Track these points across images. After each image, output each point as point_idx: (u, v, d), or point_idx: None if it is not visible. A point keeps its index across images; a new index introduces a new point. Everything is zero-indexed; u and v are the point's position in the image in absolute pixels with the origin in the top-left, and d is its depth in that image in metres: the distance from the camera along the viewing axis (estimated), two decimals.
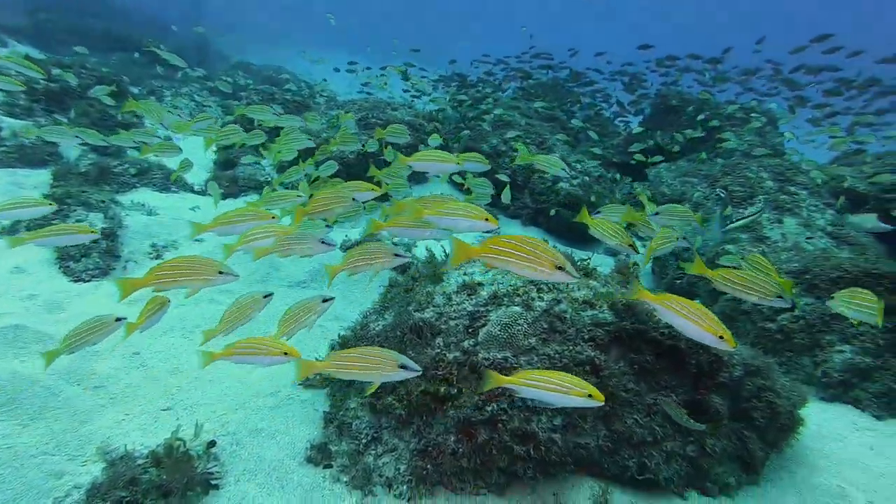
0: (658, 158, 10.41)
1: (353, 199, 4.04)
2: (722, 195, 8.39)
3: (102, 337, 3.54)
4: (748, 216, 6.05)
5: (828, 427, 4.62)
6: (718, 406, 3.54)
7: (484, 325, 3.51)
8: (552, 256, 2.67)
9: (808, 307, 5.37)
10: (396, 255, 3.56)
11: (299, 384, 4.67)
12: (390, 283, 4.96)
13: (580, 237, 9.73)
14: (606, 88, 16.32)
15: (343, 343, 4.51)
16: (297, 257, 7.15)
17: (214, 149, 10.12)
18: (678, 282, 7.98)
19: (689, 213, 4.14)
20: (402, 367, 2.94)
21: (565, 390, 2.70)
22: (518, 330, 3.40)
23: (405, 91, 14.52)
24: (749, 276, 3.34)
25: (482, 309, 3.61)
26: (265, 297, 3.65)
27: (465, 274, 4.05)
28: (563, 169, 5.54)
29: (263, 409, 4.28)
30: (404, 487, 3.55)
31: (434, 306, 3.84)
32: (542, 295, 3.56)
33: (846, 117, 12.03)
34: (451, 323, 3.66)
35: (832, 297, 3.73)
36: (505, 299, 3.58)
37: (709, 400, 3.56)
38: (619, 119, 15.57)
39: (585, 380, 3.26)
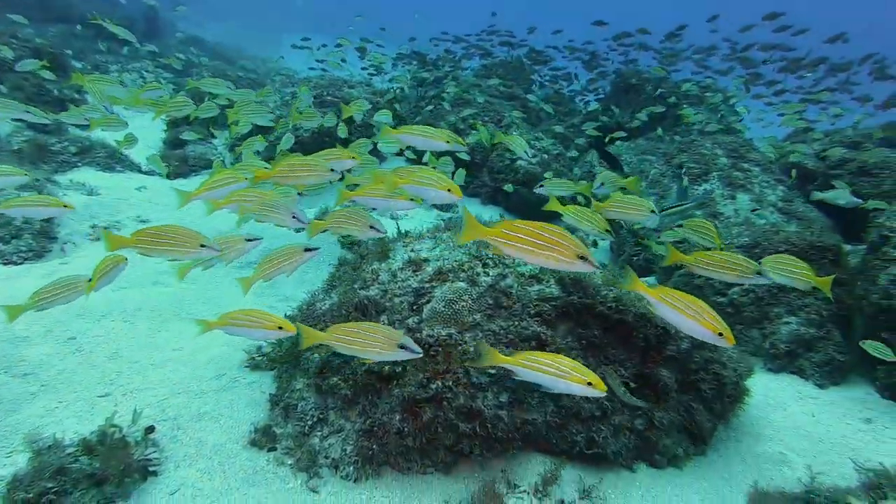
0: (620, 135, 10.44)
1: (331, 170, 3.86)
2: (684, 179, 8.44)
3: (74, 297, 3.48)
4: (680, 206, 6.05)
5: (774, 396, 4.71)
6: (666, 379, 3.54)
7: (429, 302, 3.43)
8: (575, 245, 2.55)
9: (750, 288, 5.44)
10: (372, 226, 3.51)
11: (246, 366, 4.53)
12: (339, 261, 4.83)
13: (538, 215, 9.71)
14: (566, 67, 16.26)
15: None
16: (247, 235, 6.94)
17: (164, 128, 9.74)
18: (635, 258, 8.05)
19: (619, 178, 4.13)
20: (402, 347, 2.83)
21: (564, 375, 2.59)
22: (462, 306, 3.32)
23: (363, 69, 14.17)
24: (726, 257, 3.35)
25: (427, 285, 3.52)
26: (249, 240, 3.76)
27: (411, 250, 3.95)
28: (526, 151, 5.53)
29: (207, 392, 4.13)
30: (350, 468, 3.47)
31: (379, 283, 3.73)
32: (487, 270, 3.49)
33: (796, 96, 12.24)
34: (396, 300, 3.56)
35: (759, 263, 3.76)
36: (450, 275, 3.49)
37: (657, 373, 3.55)
38: (580, 97, 15.56)
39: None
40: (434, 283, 3.50)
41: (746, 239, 5.76)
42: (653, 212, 3.89)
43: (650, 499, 3.44)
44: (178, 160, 8.66)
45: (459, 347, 3.24)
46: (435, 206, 9.76)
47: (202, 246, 3.32)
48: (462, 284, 3.41)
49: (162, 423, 3.72)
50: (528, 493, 3.18)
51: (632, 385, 3.52)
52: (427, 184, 3.32)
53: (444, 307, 3.33)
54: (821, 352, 5.06)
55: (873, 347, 4.16)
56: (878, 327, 4.87)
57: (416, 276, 3.62)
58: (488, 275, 3.45)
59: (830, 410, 4.62)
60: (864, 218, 6.70)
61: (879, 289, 4.87)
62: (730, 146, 8.23)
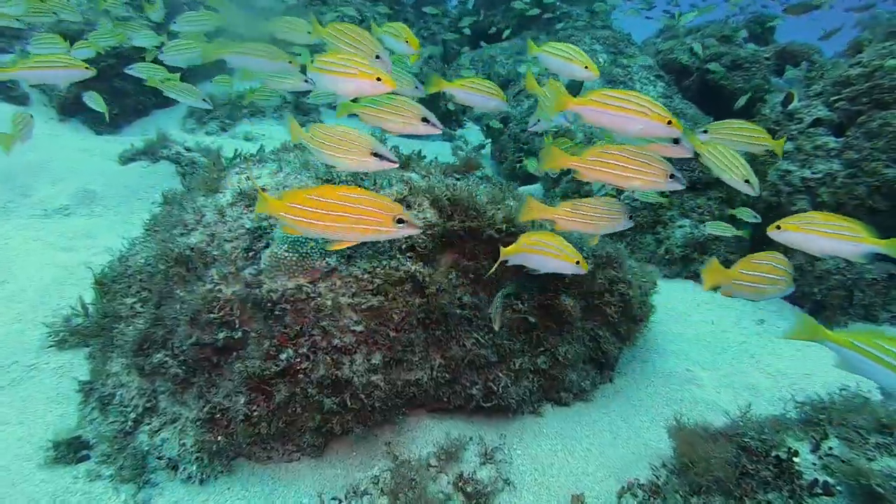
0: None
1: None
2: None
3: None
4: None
5: (673, 307, 4.42)
6: (570, 308, 3.00)
7: (267, 246, 2.58)
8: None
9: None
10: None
11: (50, 346, 3.49)
12: (164, 198, 3.77)
13: None
14: None
15: (99, 282, 3.33)
16: (50, 179, 5.54)
17: None
18: (518, 166, 7.51)
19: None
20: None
21: None
22: (312, 247, 2.50)
23: None
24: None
25: (265, 223, 2.65)
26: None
27: (247, 178, 3.03)
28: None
29: None
30: (193, 467, 2.69)
31: (204, 226, 2.81)
32: None
33: None
34: (227, 247, 2.68)
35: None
36: None
37: (559, 302, 3.00)
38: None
39: (408, 301, 2.53)
40: (273, 221, 2.64)
41: None
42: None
43: (560, 447, 2.96)
44: None
45: (313, 302, 2.46)
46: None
47: (373, 155, 2.39)
48: None
49: None
50: (418, 471, 2.56)
51: (532, 320, 2.95)
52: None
53: (287, 251, 2.50)
54: (714, 253, 4.83)
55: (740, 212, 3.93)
56: (768, 224, 4.66)
57: (251, 212, 2.73)
58: None
59: (727, 315, 4.41)
60: (740, 112, 6.55)
61: (768, 185, 4.63)
62: (608, 41, 7.74)
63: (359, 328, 2.46)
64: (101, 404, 2.94)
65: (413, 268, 2.55)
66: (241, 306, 2.53)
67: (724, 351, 3.92)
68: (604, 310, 3.27)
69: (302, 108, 8.26)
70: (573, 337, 3.18)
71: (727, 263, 4.81)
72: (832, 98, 4.43)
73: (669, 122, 2.37)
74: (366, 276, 2.48)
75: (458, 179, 3.16)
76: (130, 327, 2.93)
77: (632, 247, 5.09)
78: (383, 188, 2.71)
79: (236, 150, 4.66)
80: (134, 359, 2.88)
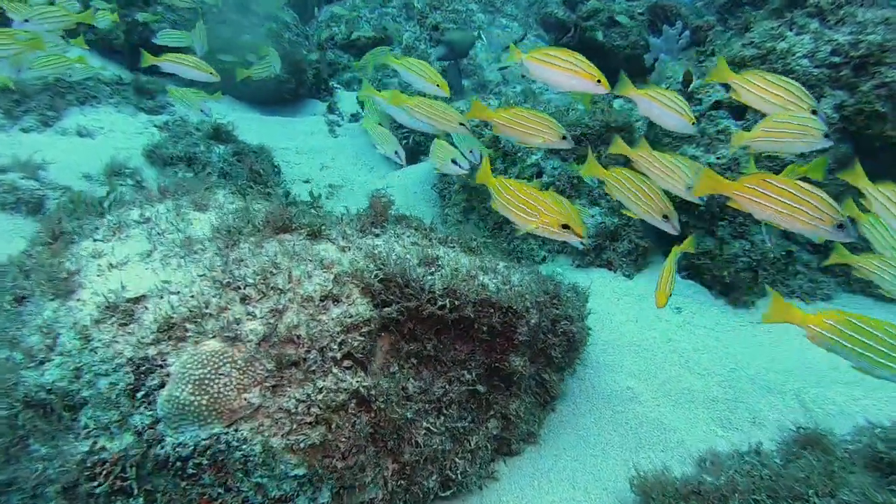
0: None
1: None
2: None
3: None
4: None
5: (596, 308, 4.27)
6: (521, 368, 2.72)
7: (162, 386, 1.98)
8: None
9: (556, 171, 4.85)
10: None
11: None
12: None
13: (279, 101, 8.00)
14: None
15: None
16: None
17: None
18: (404, 143, 7.02)
19: None
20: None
21: None
22: (225, 383, 1.95)
23: None
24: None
25: (152, 352, 2.03)
26: None
27: (109, 266, 2.33)
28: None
29: None
30: None
31: (62, 355, 2.13)
32: (251, 307, 2.10)
33: None
34: (102, 384, 2.04)
35: None
36: (189, 327, 2.04)
37: (508, 364, 2.70)
38: None
39: (354, 424, 2.10)
40: (165, 348, 2.03)
41: None
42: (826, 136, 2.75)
43: None
44: None
45: (238, 452, 1.95)
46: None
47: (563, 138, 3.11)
48: (216, 345, 2.00)
49: None
50: None
51: (481, 389, 2.64)
52: None
53: (192, 393, 1.93)
54: (625, 240, 4.77)
55: None
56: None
57: (129, 333, 2.08)
58: (255, 316, 2.08)
59: (645, 308, 4.38)
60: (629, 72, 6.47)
61: None
62: None
63: (300, 471, 1.99)
64: None
65: (354, 382, 2.09)
66: (138, 469, 1.95)
67: (654, 355, 3.88)
68: (549, 352, 3.04)
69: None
70: (521, 389, 2.92)
71: (639, 247, 4.81)
72: None
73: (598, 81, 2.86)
74: (300, 407, 1.99)
75: (377, 236, 2.68)
76: None
77: (543, 238, 4.91)
78: (301, 281, 2.18)
79: (78, 195, 3.78)
80: None
